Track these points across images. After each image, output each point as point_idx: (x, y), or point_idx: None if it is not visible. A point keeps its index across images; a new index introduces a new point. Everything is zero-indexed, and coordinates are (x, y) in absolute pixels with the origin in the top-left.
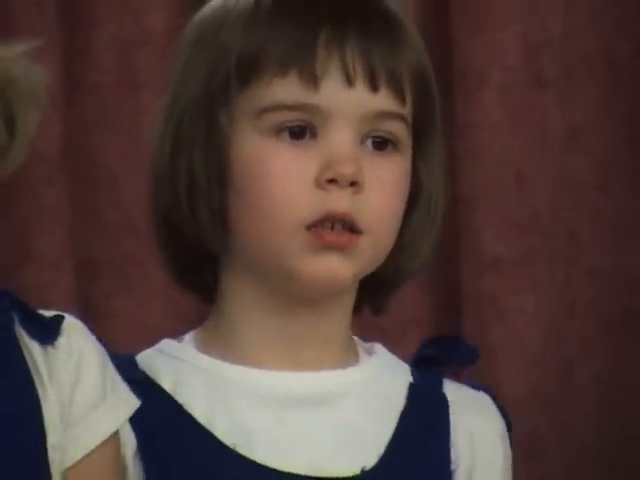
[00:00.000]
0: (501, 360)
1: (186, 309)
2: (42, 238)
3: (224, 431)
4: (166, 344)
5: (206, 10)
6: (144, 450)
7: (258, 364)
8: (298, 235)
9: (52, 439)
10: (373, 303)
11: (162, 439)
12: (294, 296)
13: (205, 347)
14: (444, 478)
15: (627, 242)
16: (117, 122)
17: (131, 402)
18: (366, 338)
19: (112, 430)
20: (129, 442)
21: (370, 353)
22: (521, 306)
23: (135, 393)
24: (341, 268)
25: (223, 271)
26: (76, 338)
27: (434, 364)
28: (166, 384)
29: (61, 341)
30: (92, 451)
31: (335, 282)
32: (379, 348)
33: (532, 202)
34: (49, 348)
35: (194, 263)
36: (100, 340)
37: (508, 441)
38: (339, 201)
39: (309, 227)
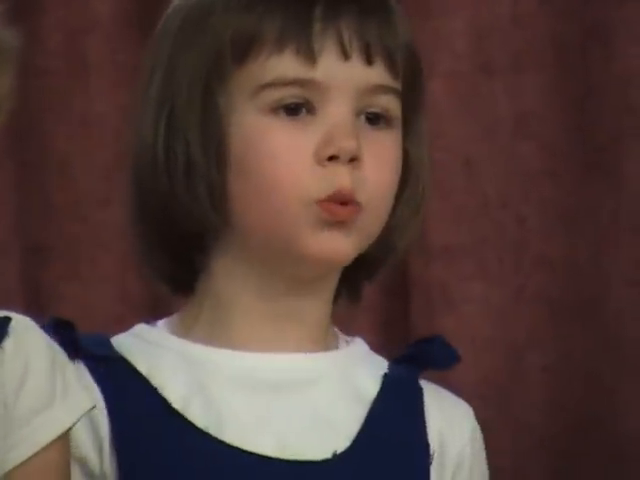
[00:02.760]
0: None
1: (134, 293)
2: None
3: (198, 414)
4: (141, 329)
5: None
6: (117, 432)
7: (243, 347)
8: (303, 209)
9: None
10: (353, 288)
11: (136, 421)
12: (286, 277)
13: (182, 332)
14: (422, 461)
15: (576, 229)
16: (65, 107)
17: (83, 404)
18: None
19: (57, 434)
20: (102, 425)
21: (348, 343)
22: (470, 293)
23: (112, 374)
24: (344, 244)
25: (213, 256)
26: (25, 340)
27: (413, 363)
28: (142, 367)
29: (8, 342)
30: (36, 454)
31: (338, 258)
32: (359, 341)
33: (481, 189)
34: None
35: (180, 253)
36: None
37: (481, 441)
38: (343, 177)
39: (315, 202)
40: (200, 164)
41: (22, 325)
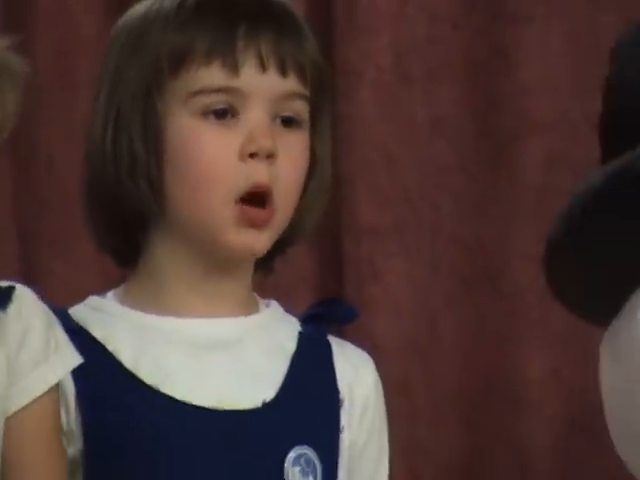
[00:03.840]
0: (377, 315)
1: (111, 271)
2: None
3: (147, 373)
4: (92, 300)
5: (131, 14)
6: (80, 393)
7: (177, 313)
8: (227, 208)
9: None
10: (266, 263)
11: (96, 383)
12: (214, 259)
13: (128, 301)
14: (334, 406)
15: (483, 214)
16: (53, 113)
17: (72, 359)
18: (263, 295)
19: (51, 384)
20: (69, 388)
21: (267, 306)
22: (393, 268)
23: (74, 342)
24: (259, 242)
25: (153, 236)
26: (25, 305)
27: (320, 321)
28: (97, 334)
29: (11, 308)
30: (33, 401)
31: (253, 253)
32: (274, 303)
33: (402, 181)
34: (0, 314)
35: (124, 232)
36: (41, 296)
37: (381, 387)
38: (261, 172)
39: (237, 201)
40: (142, 160)
41: (23, 293)
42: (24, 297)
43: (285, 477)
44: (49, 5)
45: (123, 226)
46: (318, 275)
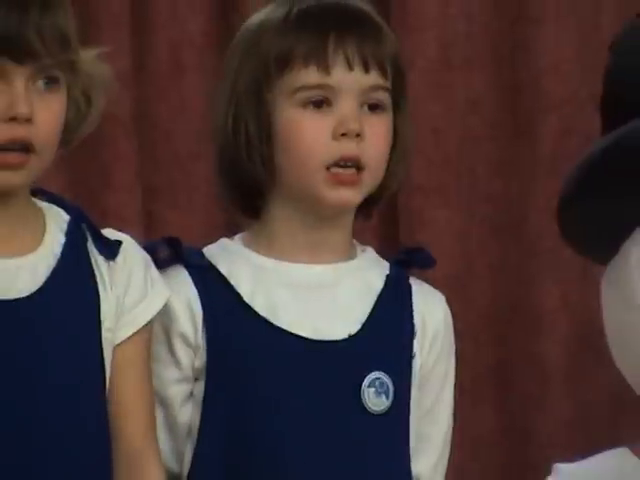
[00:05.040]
0: None
1: (216, 219)
2: (119, 172)
3: (260, 305)
4: (223, 241)
5: (250, 22)
6: (207, 315)
7: (287, 259)
8: (320, 173)
9: (107, 323)
10: (366, 212)
11: (219, 310)
12: (317, 214)
13: (251, 245)
14: (409, 336)
15: (510, 175)
16: (167, 95)
17: (164, 294)
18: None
19: (149, 317)
20: (197, 310)
21: (363, 252)
22: (438, 219)
23: (204, 277)
24: (350, 197)
25: (269, 199)
26: (129, 255)
27: (405, 265)
28: (223, 269)
29: (119, 258)
30: (135, 332)
31: (347, 207)
32: (369, 249)
33: (445, 148)
34: (111, 263)
35: (249, 195)
36: (170, 243)
37: (450, 321)
38: (349, 147)
39: (328, 167)
40: (256, 142)
41: (127, 243)
42: (128, 246)
43: (362, 395)
44: (165, 7)
45: (246, 192)
46: (379, 224)
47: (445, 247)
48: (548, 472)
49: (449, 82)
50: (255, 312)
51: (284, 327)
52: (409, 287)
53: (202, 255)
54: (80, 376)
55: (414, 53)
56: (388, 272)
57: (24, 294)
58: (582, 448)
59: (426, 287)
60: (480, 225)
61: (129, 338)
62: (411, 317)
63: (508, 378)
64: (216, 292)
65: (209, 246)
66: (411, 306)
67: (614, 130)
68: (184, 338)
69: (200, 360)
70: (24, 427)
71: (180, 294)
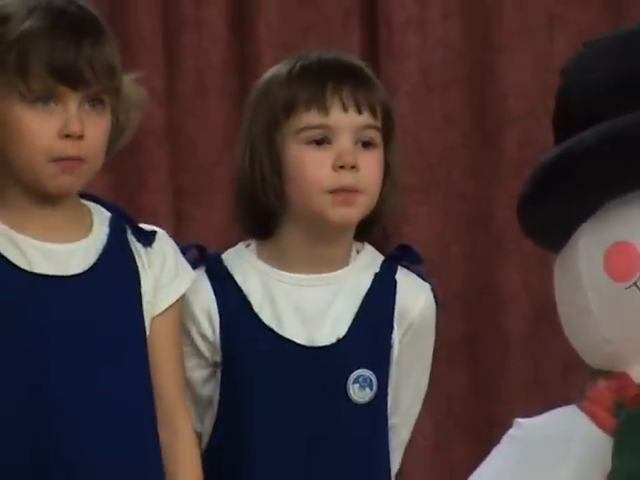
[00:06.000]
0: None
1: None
2: (153, 176)
3: (267, 315)
4: (239, 247)
5: (263, 77)
6: (222, 318)
7: (291, 270)
8: (323, 197)
9: (147, 297)
10: (363, 233)
11: (232, 312)
12: (321, 233)
13: (263, 257)
14: (388, 331)
15: (479, 178)
16: (195, 114)
17: (190, 276)
18: None
19: (181, 292)
20: (214, 313)
21: (359, 251)
22: (418, 214)
23: (222, 285)
24: (351, 215)
25: (280, 220)
26: (163, 243)
27: (396, 261)
28: (238, 278)
29: (155, 245)
30: (169, 306)
31: (348, 223)
32: (367, 249)
33: (426, 155)
34: (148, 249)
35: (263, 219)
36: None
37: (434, 313)
38: (347, 178)
39: (328, 193)
40: (268, 175)
41: (160, 233)
42: (161, 237)
43: (347, 391)
44: (191, 39)
45: (261, 217)
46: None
47: (425, 238)
48: (511, 425)
49: (429, 101)
50: (261, 321)
51: (286, 336)
52: (395, 282)
53: (221, 262)
54: (126, 338)
55: (399, 78)
56: (377, 270)
57: (78, 271)
58: (539, 405)
59: (412, 279)
60: (455, 220)
61: (164, 311)
62: (392, 311)
63: (478, 347)
64: (231, 299)
65: (228, 251)
66: (394, 300)
67: (564, 141)
68: (204, 337)
69: (218, 356)
70: (81, 383)
71: (201, 299)
